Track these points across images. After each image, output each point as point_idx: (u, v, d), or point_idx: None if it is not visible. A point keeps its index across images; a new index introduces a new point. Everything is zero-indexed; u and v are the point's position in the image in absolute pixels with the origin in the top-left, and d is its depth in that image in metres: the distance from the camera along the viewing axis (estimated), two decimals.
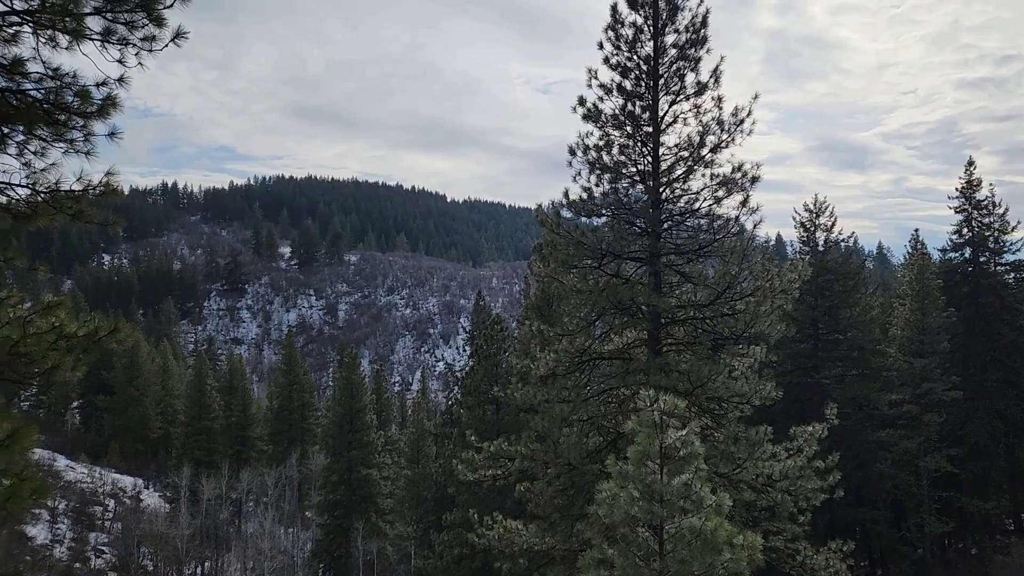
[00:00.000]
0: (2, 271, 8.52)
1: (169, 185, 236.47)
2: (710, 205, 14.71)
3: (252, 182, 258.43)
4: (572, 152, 15.03)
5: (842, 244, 31.52)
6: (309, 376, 69.84)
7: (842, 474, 14.75)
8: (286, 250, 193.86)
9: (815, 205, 31.09)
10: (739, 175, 14.21)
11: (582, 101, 14.97)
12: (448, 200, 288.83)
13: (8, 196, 7.95)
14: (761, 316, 13.62)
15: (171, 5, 7.95)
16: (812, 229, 31.12)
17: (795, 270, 14.02)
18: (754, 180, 14.13)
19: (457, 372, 38.72)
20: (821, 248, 30.75)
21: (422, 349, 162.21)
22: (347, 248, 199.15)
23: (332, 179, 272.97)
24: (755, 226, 14.08)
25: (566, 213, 15.12)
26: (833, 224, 31.02)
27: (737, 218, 14.22)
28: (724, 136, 14.42)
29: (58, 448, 57.62)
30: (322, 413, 59.36)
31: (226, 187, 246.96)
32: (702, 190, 14.75)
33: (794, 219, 31.56)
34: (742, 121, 14.33)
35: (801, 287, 14.65)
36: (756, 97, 14.35)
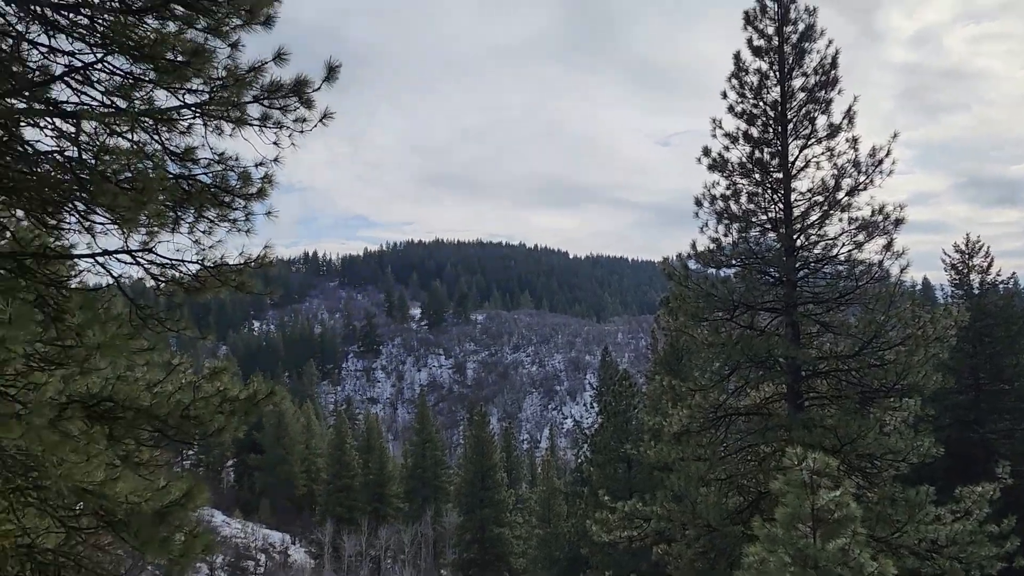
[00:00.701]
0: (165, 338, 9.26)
1: (310, 254, 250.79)
2: (849, 250, 14.14)
3: (384, 248, 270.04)
4: (698, 203, 14.91)
5: (1001, 286, 29.25)
6: (441, 434, 71.07)
7: (1021, 540, 13.41)
8: (416, 311, 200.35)
9: (967, 245, 29.14)
10: (880, 218, 13.61)
11: (707, 151, 14.88)
12: (571, 256, 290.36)
13: (180, 272, 8.73)
14: (914, 366, 12.81)
15: (319, 88, 8.65)
16: (965, 271, 29.10)
17: (950, 316, 13.15)
18: (898, 223, 13.50)
19: (586, 429, 38.38)
20: (977, 291, 28.64)
21: (549, 406, 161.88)
22: (473, 308, 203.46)
23: (458, 241, 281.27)
24: (901, 271, 13.39)
25: (693, 265, 14.93)
26: (989, 265, 28.90)
27: (880, 263, 13.58)
28: (861, 178, 13.91)
29: (215, 504, 61.01)
30: (454, 471, 60.09)
31: (360, 253, 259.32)
32: (840, 235, 14.21)
33: (943, 261, 29.64)
34: (880, 161, 13.79)
35: (958, 334, 13.70)
36: (895, 136, 13.82)
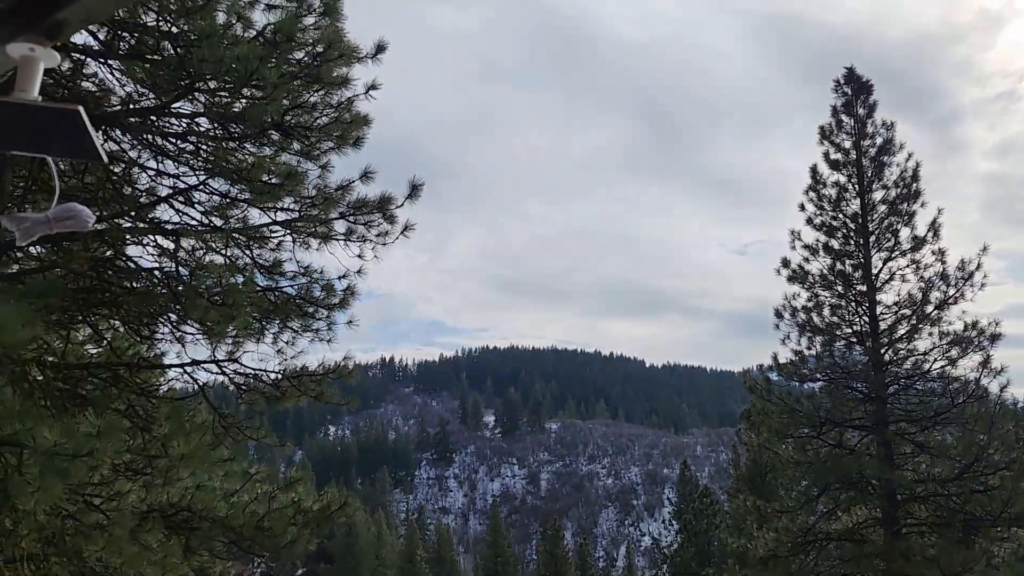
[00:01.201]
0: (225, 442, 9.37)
1: (387, 359, 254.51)
2: (943, 366, 13.47)
3: (459, 354, 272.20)
4: (778, 315, 14.59)
5: None
6: (513, 548, 68.90)
7: None
8: (490, 419, 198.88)
9: None
10: (974, 333, 12.99)
11: (786, 263, 14.68)
12: (647, 365, 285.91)
13: (263, 381, 8.95)
14: (1021, 494, 11.86)
15: (402, 205, 8.99)
16: None
17: None
18: (994, 338, 12.84)
19: (664, 549, 36.58)
20: None
21: (626, 521, 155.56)
22: (547, 416, 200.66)
23: (532, 348, 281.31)
24: (1002, 389, 12.62)
25: (775, 377, 14.46)
26: None
27: (977, 380, 12.85)
28: (951, 291, 13.40)
29: None
30: None
31: (436, 359, 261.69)
32: (931, 350, 13.59)
33: None
34: (970, 274, 13.30)
35: None
36: (985, 249, 13.35)
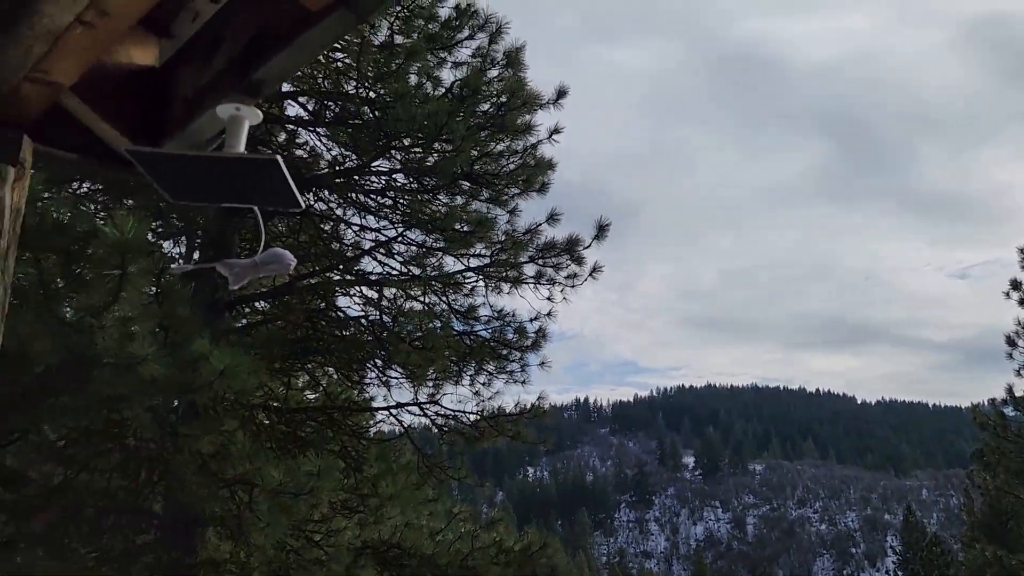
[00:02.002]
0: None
1: (581, 400, 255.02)
2: None
3: (654, 393, 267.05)
4: (1011, 342, 12.95)
5: None
6: None
7: None
8: (689, 460, 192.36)
9: None
10: None
11: (1016, 284, 13.05)
12: (858, 401, 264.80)
13: (462, 422, 9.19)
14: None
15: (588, 246, 8.99)
16: None
17: None
18: None
19: None
20: None
21: (844, 571, 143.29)
22: (750, 456, 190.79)
23: (731, 386, 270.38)
24: None
25: (1011, 412, 12.80)
26: None
27: None
28: None
29: None
30: None
31: (631, 399, 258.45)
32: None
33: None
34: None
35: None
36: None
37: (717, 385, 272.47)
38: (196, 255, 9.58)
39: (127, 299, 5.40)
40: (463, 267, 9.09)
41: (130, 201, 8.06)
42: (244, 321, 9.61)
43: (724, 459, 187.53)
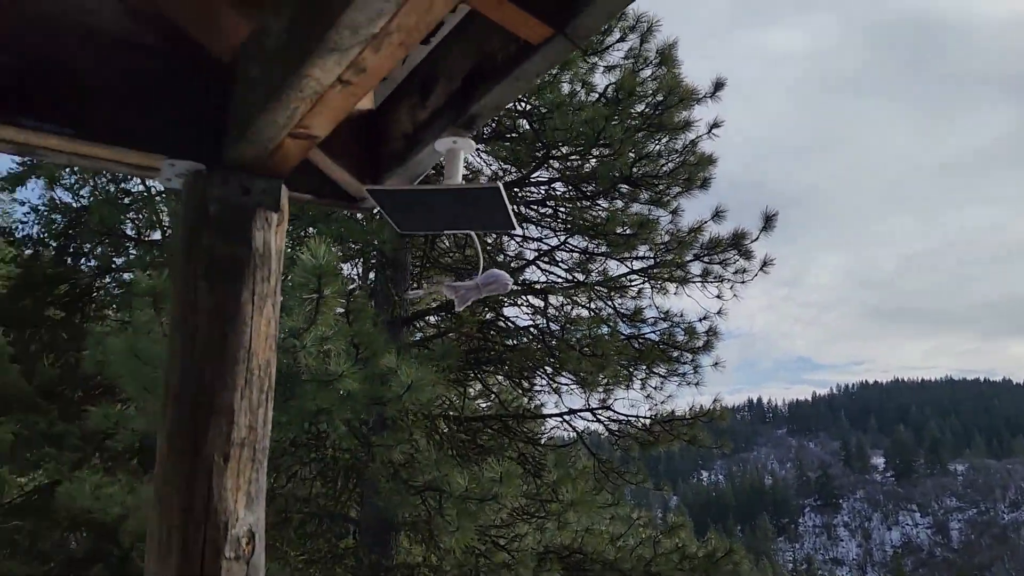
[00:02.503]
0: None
1: (754, 400, 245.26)
2: None
3: (834, 391, 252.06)
4: None
5: None
6: None
7: None
8: (879, 460, 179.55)
9: None
10: None
11: None
12: None
13: (635, 427, 9.15)
14: None
15: (756, 239, 8.71)
16: None
17: None
18: None
19: None
20: None
21: None
22: (950, 456, 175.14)
23: (921, 380, 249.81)
24: None
25: None
26: None
27: None
28: None
29: None
30: None
31: (808, 398, 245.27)
32: None
33: None
34: None
35: None
36: None
37: (905, 380, 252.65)
38: (372, 275, 10.17)
39: (323, 320, 5.85)
40: (627, 270, 9.07)
41: (313, 229, 8.72)
42: (419, 335, 10.10)
43: (919, 459, 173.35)
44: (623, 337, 9.14)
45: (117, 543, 11.79)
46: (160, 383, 6.72)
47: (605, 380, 9.09)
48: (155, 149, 1.28)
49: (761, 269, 8.81)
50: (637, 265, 8.99)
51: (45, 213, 16.39)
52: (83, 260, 16.15)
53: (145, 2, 1.26)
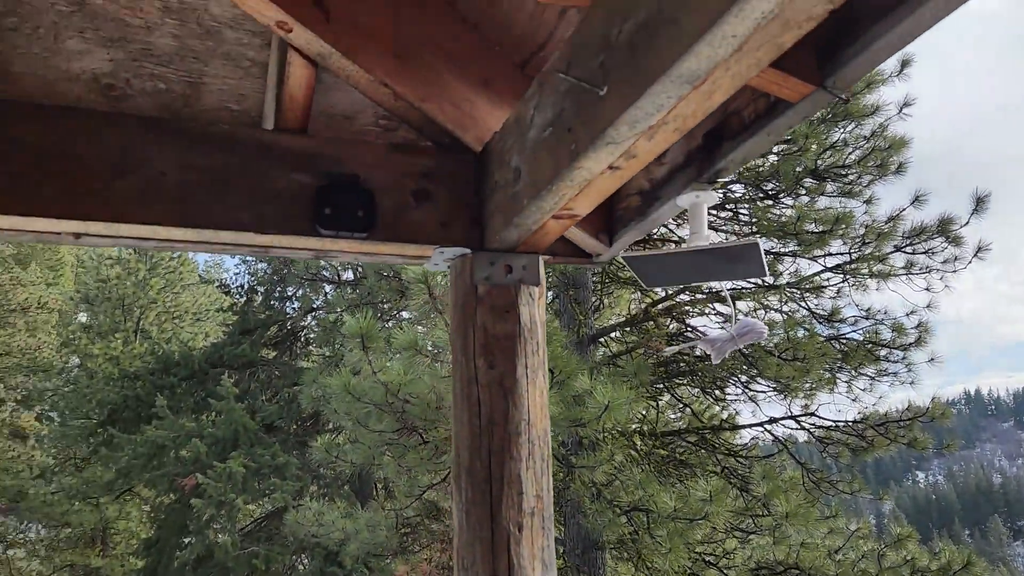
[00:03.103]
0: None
1: (971, 393, 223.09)
2: None
3: None
4: None
5: None
6: None
7: None
8: None
9: None
10: None
11: None
12: None
13: (844, 432, 8.63)
14: None
15: (967, 223, 7.98)
16: None
17: None
18: None
19: None
20: None
21: None
22: None
23: None
24: None
25: None
26: None
27: None
28: None
29: None
30: None
31: None
32: None
33: None
34: None
35: None
36: None
37: None
38: (550, 295, 10.25)
39: None
40: (820, 268, 8.64)
41: None
42: (604, 351, 10.09)
43: None
44: (822, 339, 8.69)
45: (339, 565, 12.70)
46: (371, 417, 7.14)
47: (808, 385, 8.67)
48: (429, 240, 1.40)
49: (975, 255, 8.08)
50: (831, 262, 8.53)
51: (252, 263, 18.13)
52: (288, 303, 17.67)
53: (406, 105, 1.38)
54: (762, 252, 1.32)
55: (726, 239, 8.71)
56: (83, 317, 24.34)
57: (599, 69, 1.03)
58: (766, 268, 1.41)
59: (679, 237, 8.90)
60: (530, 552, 1.23)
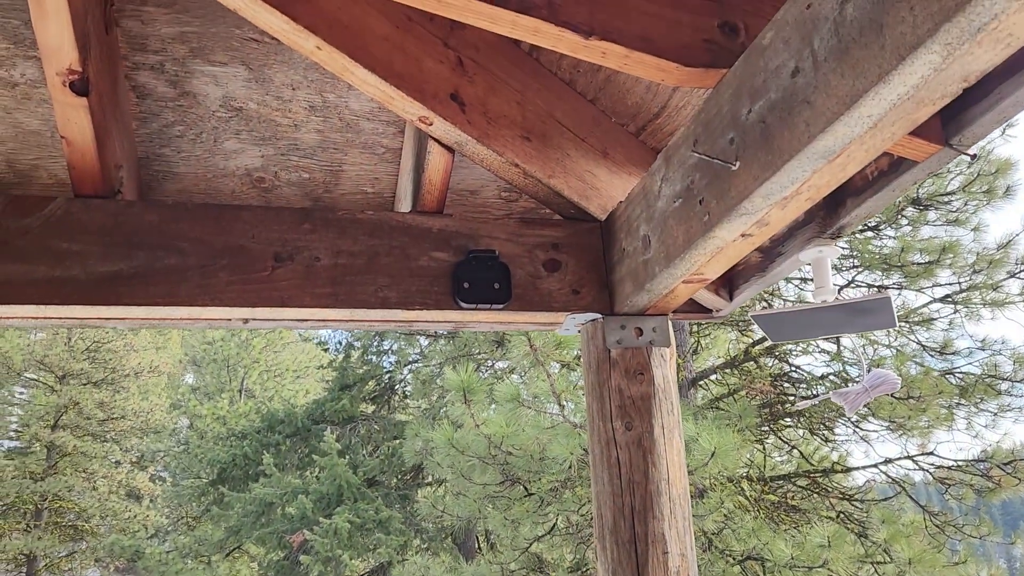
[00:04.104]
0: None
1: None
2: None
3: None
4: None
5: None
6: None
7: None
8: None
9: None
10: None
11: None
12: None
13: (967, 472, 8.16)
14: None
15: None
16: None
17: None
18: None
19: None
20: None
21: None
22: None
23: None
24: None
25: None
26: None
27: None
28: None
29: None
30: None
31: None
32: None
33: None
34: None
35: None
36: None
37: None
38: None
39: None
40: (929, 299, 8.31)
41: None
42: (702, 394, 9.89)
43: None
44: (937, 373, 8.30)
45: None
46: (475, 470, 7.19)
47: (925, 423, 8.27)
48: (561, 308, 1.46)
49: None
50: (940, 292, 8.20)
51: None
52: (384, 357, 18.03)
53: (534, 182, 1.46)
54: (893, 305, 1.32)
55: (848, 289, 8.51)
56: (190, 379, 25.52)
57: (729, 145, 1.08)
58: (896, 319, 1.40)
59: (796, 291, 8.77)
60: None
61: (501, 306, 1.45)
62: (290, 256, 1.37)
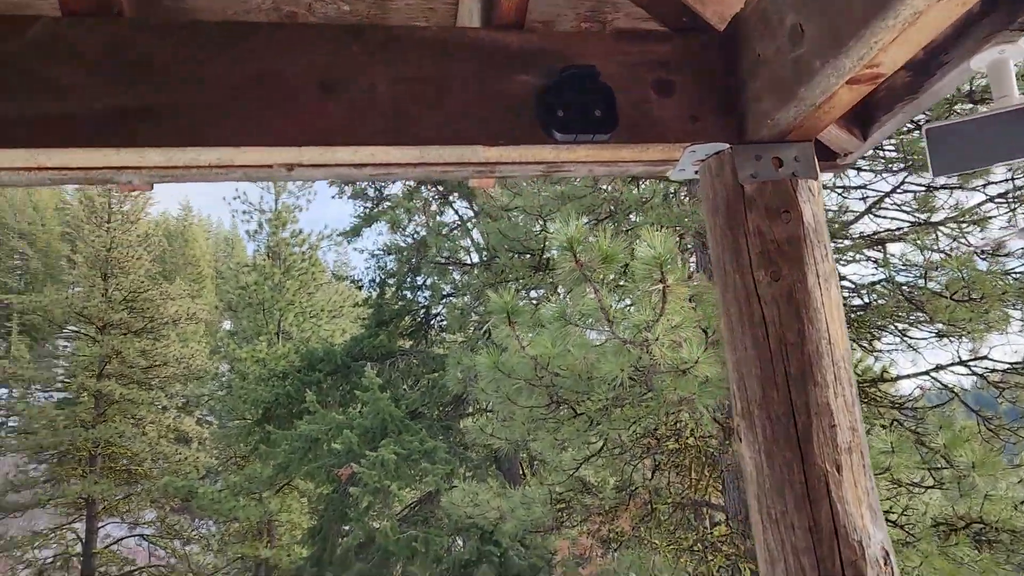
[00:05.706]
0: None
1: None
2: None
3: None
4: None
5: None
6: None
7: None
8: None
9: None
10: None
11: None
12: None
13: (1019, 375, 7.90)
14: None
15: None
16: None
17: None
18: None
19: None
20: None
21: None
22: None
23: None
24: None
25: None
26: None
27: None
28: None
29: None
30: None
31: None
32: None
33: None
34: None
35: None
36: None
37: None
38: (694, 258, 9.88)
39: (671, 309, 5.73)
40: (983, 198, 7.90)
41: (633, 218, 8.72)
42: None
43: None
44: (986, 274, 7.96)
45: (496, 544, 12.81)
46: (521, 393, 7.05)
47: (982, 326, 7.95)
48: (679, 139, 1.17)
49: None
50: (992, 190, 7.79)
51: (380, 255, 18.55)
52: (419, 292, 17.96)
53: None
54: None
55: None
56: (228, 324, 25.78)
57: None
58: None
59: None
60: (854, 496, 0.99)
61: (606, 136, 1.17)
62: (339, 85, 1.10)
